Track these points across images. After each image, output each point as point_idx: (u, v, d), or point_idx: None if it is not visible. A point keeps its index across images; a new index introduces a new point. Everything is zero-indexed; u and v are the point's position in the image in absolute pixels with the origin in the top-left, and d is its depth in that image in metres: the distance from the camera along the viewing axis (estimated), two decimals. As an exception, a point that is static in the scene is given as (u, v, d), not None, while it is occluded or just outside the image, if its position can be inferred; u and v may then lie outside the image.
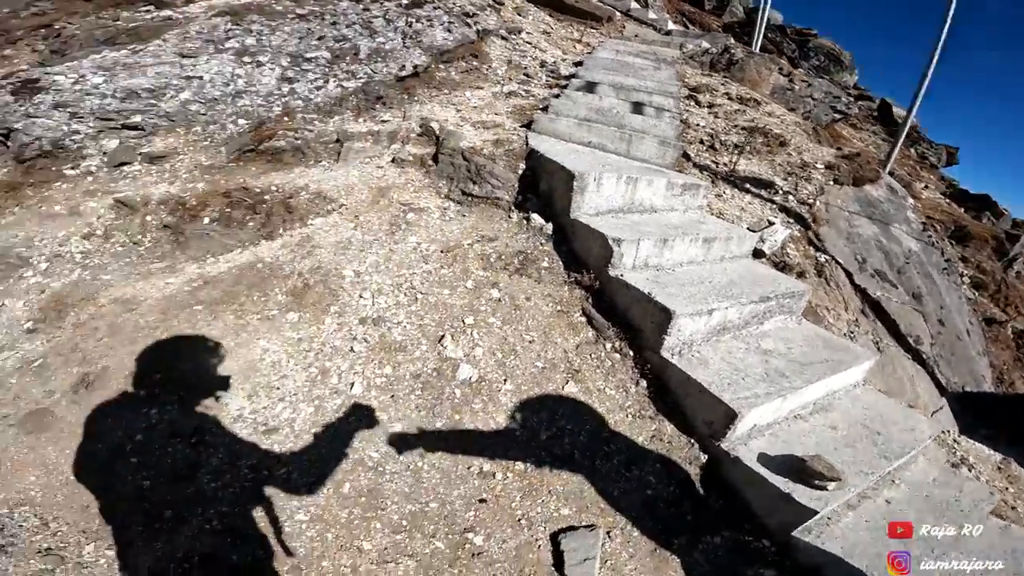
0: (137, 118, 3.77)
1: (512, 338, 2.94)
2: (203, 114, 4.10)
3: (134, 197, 3.21)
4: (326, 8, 6.40)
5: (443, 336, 2.87)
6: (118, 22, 7.29)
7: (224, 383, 2.56)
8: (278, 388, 2.58)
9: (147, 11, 8.44)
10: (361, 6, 6.54)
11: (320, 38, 5.61)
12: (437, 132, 4.18)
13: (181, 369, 2.56)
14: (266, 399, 2.54)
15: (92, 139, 3.53)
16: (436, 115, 4.50)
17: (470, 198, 3.67)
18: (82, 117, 3.58)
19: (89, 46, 5.31)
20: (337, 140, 4.08)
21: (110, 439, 2.33)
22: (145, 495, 2.21)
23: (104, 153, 3.52)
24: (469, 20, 6.56)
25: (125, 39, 5.58)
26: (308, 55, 5.19)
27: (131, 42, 5.51)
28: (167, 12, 7.06)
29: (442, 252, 3.29)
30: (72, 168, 3.38)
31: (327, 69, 5.06)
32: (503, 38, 6.68)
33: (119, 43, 5.48)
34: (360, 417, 2.57)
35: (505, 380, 2.77)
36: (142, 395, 2.45)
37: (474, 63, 5.91)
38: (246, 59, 4.90)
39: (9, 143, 3.37)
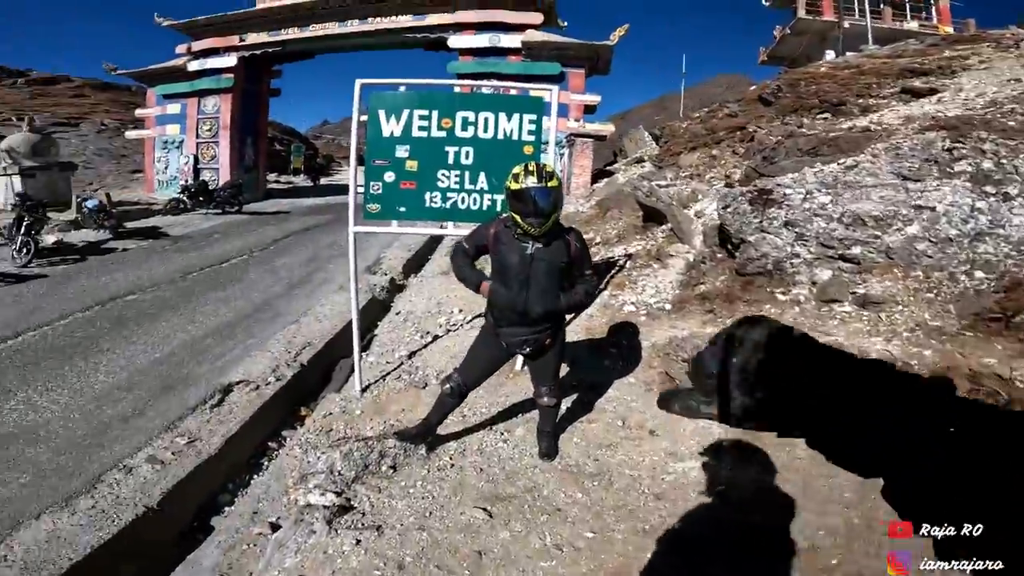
0: (856, 250, 3.51)
1: None
2: (929, 256, 3.45)
3: (848, 347, 2.89)
4: (1110, 120, 4.54)
5: None
6: (802, 128, 7.77)
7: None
8: None
9: (824, 118, 8.71)
10: None
11: (1111, 166, 3.92)
12: None
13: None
14: None
15: (807, 265, 3.51)
16: None
17: None
18: (806, 240, 3.61)
19: (794, 155, 5.65)
20: None
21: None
22: None
23: (814, 283, 3.42)
24: None
25: (827, 151, 5.63)
26: (1092, 191, 3.67)
27: (833, 154, 5.51)
28: (862, 122, 6.92)
29: None
30: (783, 293, 3.43)
31: None
32: None
33: (821, 154, 5.58)
34: None
35: None
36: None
37: None
38: (988, 189, 3.91)
39: (737, 254, 3.77)
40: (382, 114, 3.25)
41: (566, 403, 3.21)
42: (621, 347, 3.58)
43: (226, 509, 3.05)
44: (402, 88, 3.39)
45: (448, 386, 2.65)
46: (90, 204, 9.98)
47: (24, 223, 7.41)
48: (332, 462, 2.49)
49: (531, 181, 2.20)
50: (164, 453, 3.18)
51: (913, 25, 21.05)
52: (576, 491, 2.64)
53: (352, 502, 2.40)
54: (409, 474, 2.71)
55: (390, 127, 3.25)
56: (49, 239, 8.60)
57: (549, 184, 2.22)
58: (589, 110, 14.62)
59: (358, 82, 3.29)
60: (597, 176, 13.56)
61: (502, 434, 3.03)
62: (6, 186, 11.22)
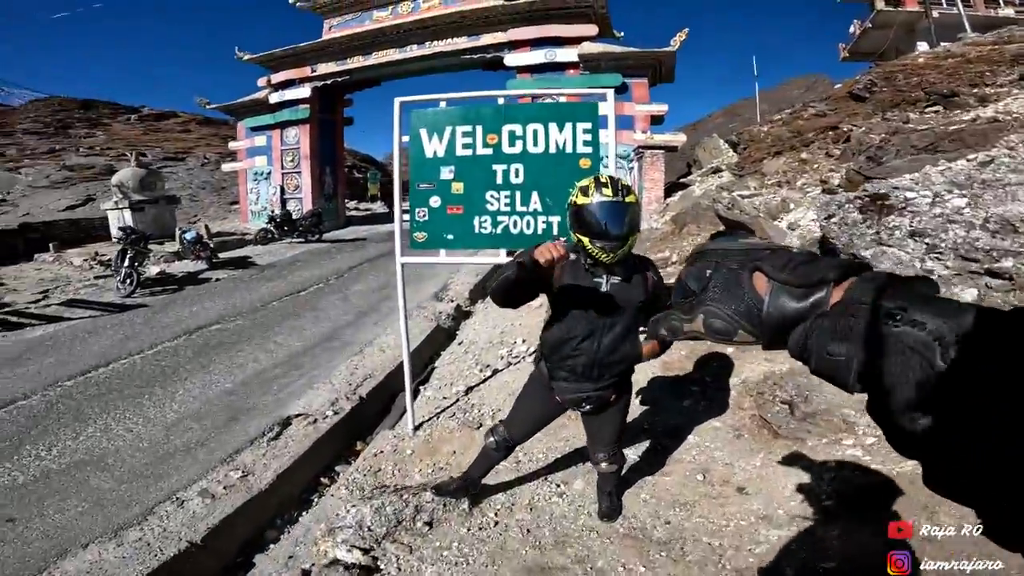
0: (1007, 263, 2.78)
1: None
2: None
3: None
4: None
5: None
6: (909, 124, 6.76)
7: None
8: None
9: (935, 111, 7.57)
10: None
11: None
12: None
13: None
14: None
15: (944, 283, 2.82)
16: None
17: None
18: (940, 253, 2.93)
19: (907, 153, 4.85)
20: None
21: None
22: None
23: (951, 303, 2.74)
24: None
25: (948, 146, 4.79)
26: None
27: (958, 149, 4.66)
28: (986, 113, 5.90)
29: None
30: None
31: None
32: None
33: (942, 150, 4.75)
34: None
35: None
36: None
37: None
38: None
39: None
40: (423, 133, 2.99)
41: (635, 452, 2.76)
42: (705, 385, 3.07)
43: (270, 547, 2.91)
44: (443, 103, 3.10)
45: (493, 439, 2.29)
46: (188, 236, 10.83)
47: (127, 256, 8.11)
48: (362, 517, 2.24)
49: (603, 195, 1.76)
50: (216, 487, 3.11)
51: (1009, 12, 19.05)
52: (638, 563, 2.18)
53: (379, 562, 2.12)
54: (446, 532, 2.40)
55: (432, 147, 2.98)
56: (153, 270, 9.38)
57: (626, 199, 1.77)
58: (656, 121, 13.90)
59: (397, 100, 3.04)
60: (670, 190, 12.81)
61: (558, 486, 2.64)
62: (118, 219, 12.37)
